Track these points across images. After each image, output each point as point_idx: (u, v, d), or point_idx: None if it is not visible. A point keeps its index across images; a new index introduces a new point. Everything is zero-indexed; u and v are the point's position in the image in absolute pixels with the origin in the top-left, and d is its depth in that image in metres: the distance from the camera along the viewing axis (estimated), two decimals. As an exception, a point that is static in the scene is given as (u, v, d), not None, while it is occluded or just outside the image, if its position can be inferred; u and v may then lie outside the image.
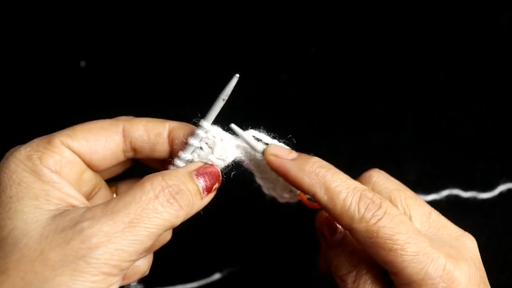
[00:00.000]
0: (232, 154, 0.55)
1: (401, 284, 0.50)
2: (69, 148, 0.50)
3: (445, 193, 0.83)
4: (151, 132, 0.54)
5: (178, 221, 0.48)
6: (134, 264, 0.54)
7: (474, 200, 0.82)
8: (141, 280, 0.65)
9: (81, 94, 0.89)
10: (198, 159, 0.53)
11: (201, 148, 0.53)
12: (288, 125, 0.87)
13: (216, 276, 0.79)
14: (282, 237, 0.81)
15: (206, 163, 0.53)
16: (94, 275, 0.43)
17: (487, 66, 0.90)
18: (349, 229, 0.51)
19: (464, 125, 0.87)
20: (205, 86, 0.69)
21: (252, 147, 0.55)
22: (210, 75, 0.86)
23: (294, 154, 0.54)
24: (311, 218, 0.62)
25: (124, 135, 0.54)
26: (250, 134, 0.56)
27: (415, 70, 0.90)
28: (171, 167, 0.53)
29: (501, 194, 0.83)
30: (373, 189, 0.56)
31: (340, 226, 0.57)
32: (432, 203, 0.58)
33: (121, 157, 0.55)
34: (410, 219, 0.54)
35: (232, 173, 0.56)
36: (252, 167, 0.58)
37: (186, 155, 0.53)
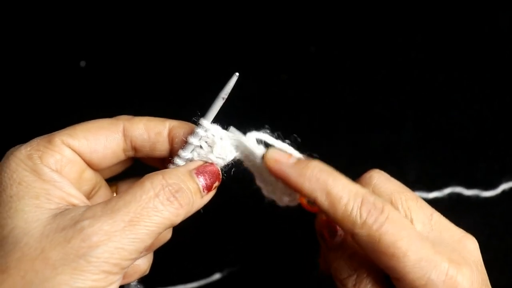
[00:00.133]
0: (232, 153, 0.55)
1: None
2: (70, 147, 0.51)
3: (447, 191, 0.82)
4: (151, 131, 0.54)
5: (178, 219, 0.48)
6: (134, 263, 0.54)
7: (476, 199, 0.82)
8: (141, 280, 0.65)
9: (81, 94, 0.89)
10: (198, 158, 0.54)
11: (201, 147, 0.53)
12: (288, 125, 0.87)
13: (216, 276, 0.80)
14: (283, 237, 0.81)
15: (206, 162, 0.53)
16: (95, 273, 0.43)
17: (487, 66, 0.90)
18: (351, 234, 0.51)
19: (464, 125, 0.87)
20: (205, 86, 0.69)
21: (251, 153, 0.55)
22: (210, 75, 0.86)
23: (294, 158, 0.54)
24: (311, 218, 0.62)
25: (124, 134, 0.54)
26: (252, 136, 0.55)
27: (415, 70, 0.90)
28: (171, 166, 0.53)
29: (503, 192, 0.82)
30: (373, 191, 0.56)
31: (340, 229, 0.56)
32: (433, 201, 0.58)
33: (121, 156, 0.55)
34: (412, 221, 0.53)
35: (233, 170, 0.56)
36: (251, 169, 0.58)
37: (186, 154, 0.53)
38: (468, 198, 0.82)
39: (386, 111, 0.88)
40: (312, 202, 0.52)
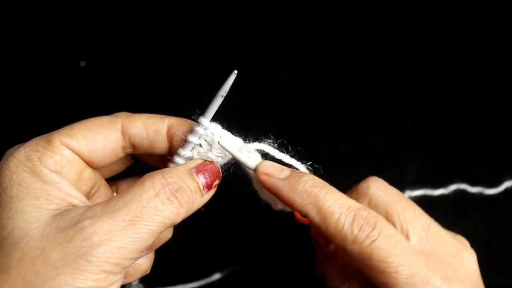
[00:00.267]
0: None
1: None
2: (69, 148, 0.50)
3: (452, 187, 0.82)
4: (150, 129, 0.54)
5: (179, 218, 0.48)
6: (135, 263, 0.54)
7: (480, 196, 0.82)
8: (142, 279, 0.65)
9: (81, 94, 0.89)
10: (197, 156, 0.53)
11: (200, 145, 0.53)
12: (288, 125, 0.87)
13: (216, 276, 0.79)
14: (282, 236, 0.81)
15: (205, 160, 0.53)
16: (96, 273, 0.43)
17: (487, 66, 0.90)
18: (343, 249, 0.51)
19: (464, 125, 0.87)
20: (205, 86, 0.69)
21: (243, 164, 0.54)
22: (210, 75, 0.86)
23: (286, 172, 0.53)
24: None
25: (123, 132, 0.54)
26: (254, 147, 0.55)
27: (415, 70, 0.90)
28: (171, 164, 0.53)
29: (506, 190, 0.82)
30: (370, 202, 0.55)
31: None
32: (436, 200, 0.57)
33: (120, 154, 0.55)
34: (408, 233, 0.53)
35: (232, 168, 0.56)
36: (248, 173, 0.58)
37: (185, 152, 0.53)
38: (472, 196, 0.82)
39: (386, 111, 0.88)
40: (304, 216, 0.52)
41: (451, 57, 0.90)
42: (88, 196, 0.55)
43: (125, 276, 0.52)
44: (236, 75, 0.51)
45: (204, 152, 0.53)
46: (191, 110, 0.56)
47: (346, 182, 0.84)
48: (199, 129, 0.53)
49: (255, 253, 0.81)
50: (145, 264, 0.58)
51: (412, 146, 0.86)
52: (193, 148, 0.53)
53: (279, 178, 0.53)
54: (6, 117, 0.88)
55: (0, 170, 0.47)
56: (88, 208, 0.46)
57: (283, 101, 0.89)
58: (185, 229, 0.59)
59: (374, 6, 0.93)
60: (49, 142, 0.49)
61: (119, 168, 0.60)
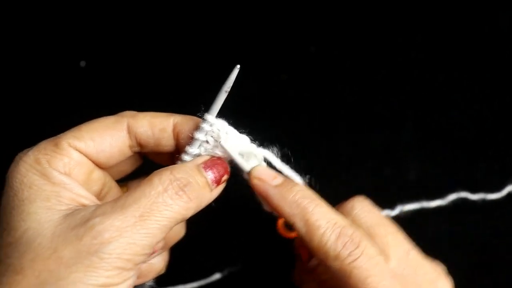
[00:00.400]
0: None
1: None
2: (77, 150, 0.51)
3: (451, 197, 0.82)
4: (155, 127, 0.55)
5: (188, 213, 0.49)
6: (149, 262, 0.55)
7: (482, 202, 0.82)
8: (156, 280, 0.66)
9: (81, 94, 0.89)
10: (205, 153, 0.54)
11: (207, 141, 0.54)
12: (288, 125, 0.87)
13: (216, 276, 0.80)
14: (282, 237, 0.80)
15: (213, 156, 0.54)
16: (108, 270, 0.43)
17: (487, 66, 0.90)
18: (324, 264, 0.51)
19: (464, 125, 0.87)
20: (205, 86, 0.69)
21: (239, 166, 0.55)
22: (210, 75, 0.86)
23: (279, 179, 0.54)
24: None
25: (129, 131, 0.54)
26: (262, 154, 0.55)
27: (415, 70, 0.90)
28: (179, 162, 0.54)
29: (509, 194, 0.82)
30: (353, 222, 0.56)
31: None
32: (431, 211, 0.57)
33: (128, 153, 0.55)
34: (388, 257, 0.53)
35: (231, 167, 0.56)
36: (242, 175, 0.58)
37: (193, 149, 0.54)
38: (474, 202, 0.82)
39: (386, 111, 0.88)
40: (290, 226, 0.52)
41: (451, 57, 0.90)
42: (99, 197, 0.55)
43: (140, 276, 0.53)
44: (239, 69, 0.52)
45: (211, 149, 0.54)
46: (192, 110, 0.56)
47: (346, 182, 0.84)
48: (205, 126, 0.53)
49: (255, 253, 0.81)
50: (159, 263, 0.58)
51: (412, 146, 0.86)
52: (200, 145, 0.54)
53: (270, 185, 0.53)
54: (6, 117, 0.88)
55: (11, 174, 0.49)
56: (98, 206, 0.46)
57: (283, 101, 0.89)
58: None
59: (374, 6, 0.93)
60: (57, 145, 0.50)
61: (128, 169, 0.60)
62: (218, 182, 0.52)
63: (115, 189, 0.58)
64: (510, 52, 0.90)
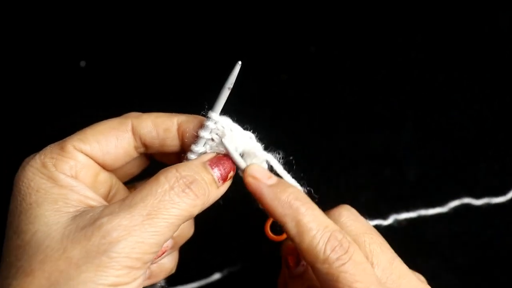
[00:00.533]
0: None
1: None
2: (82, 152, 0.52)
3: (453, 203, 0.82)
4: (159, 128, 0.55)
5: (196, 210, 0.49)
6: (160, 262, 0.55)
7: (487, 206, 0.82)
8: (167, 280, 0.66)
9: (81, 94, 0.89)
10: (210, 151, 0.54)
11: (212, 139, 0.54)
12: (288, 125, 0.87)
13: (216, 276, 0.80)
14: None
15: (218, 154, 0.54)
16: (118, 269, 0.43)
17: (487, 66, 0.90)
18: (312, 267, 0.51)
19: (464, 125, 0.87)
20: (205, 86, 0.69)
21: (236, 163, 0.55)
22: (210, 75, 0.86)
23: (273, 179, 0.54)
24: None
25: (134, 132, 0.54)
26: (264, 157, 0.55)
27: (415, 70, 0.90)
28: (185, 161, 0.54)
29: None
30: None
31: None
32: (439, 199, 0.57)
33: (133, 154, 0.56)
34: (373, 265, 0.54)
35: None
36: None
37: (198, 148, 0.54)
38: (478, 208, 0.82)
39: (386, 111, 0.88)
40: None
41: (451, 57, 0.90)
42: (107, 199, 0.56)
43: (150, 277, 0.53)
44: (240, 66, 0.52)
45: (216, 146, 0.54)
46: (192, 110, 0.56)
47: (346, 182, 0.84)
48: (209, 124, 0.53)
49: (255, 254, 0.81)
50: (169, 263, 0.59)
51: (412, 146, 0.86)
52: (205, 143, 0.54)
53: (265, 184, 0.53)
54: (6, 117, 0.88)
55: (18, 179, 0.49)
56: (106, 206, 0.47)
57: (283, 101, 0.89)
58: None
59: (374, 6, 0.93)
60: (62, 148, 0.51)
61: (135, 170, 0.61)
62: (224, 179, 0.52)
63: (122, 191, 0.58)
64: (510, 52, 0.90)
